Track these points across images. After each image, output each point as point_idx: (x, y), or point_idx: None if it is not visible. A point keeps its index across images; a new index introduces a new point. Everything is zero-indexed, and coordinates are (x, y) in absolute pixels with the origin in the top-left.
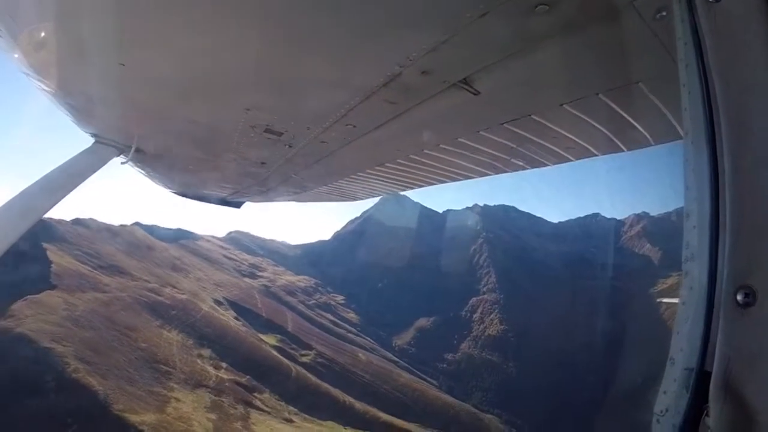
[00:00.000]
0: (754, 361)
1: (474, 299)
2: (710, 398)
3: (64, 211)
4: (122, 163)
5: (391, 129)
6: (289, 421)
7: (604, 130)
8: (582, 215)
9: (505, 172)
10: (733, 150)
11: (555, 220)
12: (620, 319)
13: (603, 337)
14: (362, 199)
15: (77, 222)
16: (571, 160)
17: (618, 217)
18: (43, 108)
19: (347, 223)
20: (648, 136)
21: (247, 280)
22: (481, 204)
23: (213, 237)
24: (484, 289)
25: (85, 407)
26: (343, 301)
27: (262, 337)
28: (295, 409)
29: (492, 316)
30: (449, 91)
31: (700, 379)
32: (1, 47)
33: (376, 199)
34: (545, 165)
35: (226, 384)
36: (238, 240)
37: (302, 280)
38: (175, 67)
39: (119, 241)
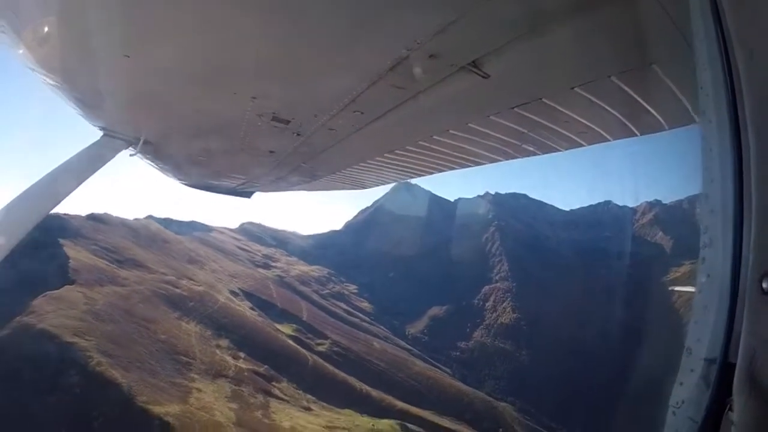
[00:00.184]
0: None
1: (486, 288)
2: (734, 391)
3: (78, 206)
4: (131, 155)
5: (399, 115)
6: (308, 409)
7: (617, 114)
8: (594, 203)
9: (516, 158)
10: (759, 128)
11: (567, 208)
12: (633, 308)
13: (615, 325)
14: (372, 186)
15: (92, 217)
16: (583, 146)
17: (630, 205)
18: (50, 103)
19: (358, 213)
20: (661, 121)
21: (261, 270)
22: (493, 192)
23: (226, 228)
24: (497, 278)
25: (110, 400)
26: (356, 291)
27: (278, 327)
28: (313, 398)
29: (504, 304)
30: (458, 75)
31: (723, 371)
32: (5, 44)
33: (387, 189)
34: (557, 150)
35: (245, 374)
36: (250, 231)
37: (315, 270)
38: (179, 57)
39: (134, 234)
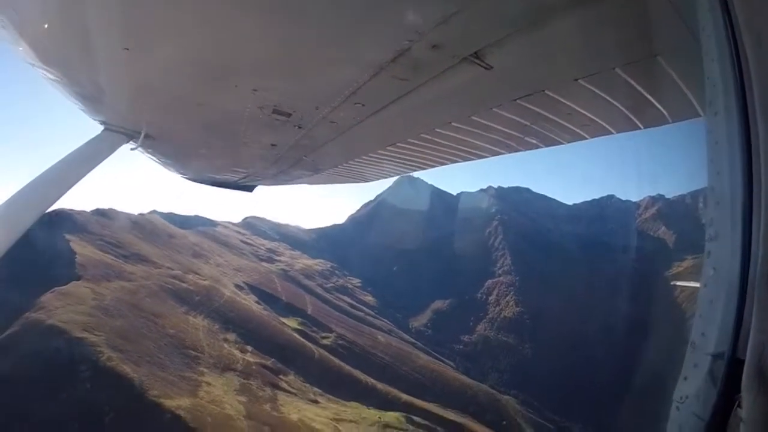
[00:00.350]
0: None
1: (489, 281)
2: (743, 387)
3: (82, 201)
4: (132, 149)
5: (401, 107)
6: (315, 402)
7: (620, 107)
8: (597, 197)
9: (519, 150)
10: None
11: (570, 202)
12: (635, 302)
13: (617, 319)
14: (374, 180)
15: (98, 212)
16: (586, 138)
17: (633, 200)
18: (50, 97)
19: (361, 207)
20: (665, 114)
21: (265, 264)
22: (496, 186)
23: (229, 223)
24: (500, 271)
25: (122, 395)
26: (359, 284)
27: (284, 320)
28: (320, 391)
29: (507, 298)
30: (461, 66)
31: (731, 366)
32: (5, 39)
33: (390, 183)
34: (560, 143)
35: (253, 367)
36: (253, 225)
37: (319, 264)
38: (179, 50)
39: (140, 229)
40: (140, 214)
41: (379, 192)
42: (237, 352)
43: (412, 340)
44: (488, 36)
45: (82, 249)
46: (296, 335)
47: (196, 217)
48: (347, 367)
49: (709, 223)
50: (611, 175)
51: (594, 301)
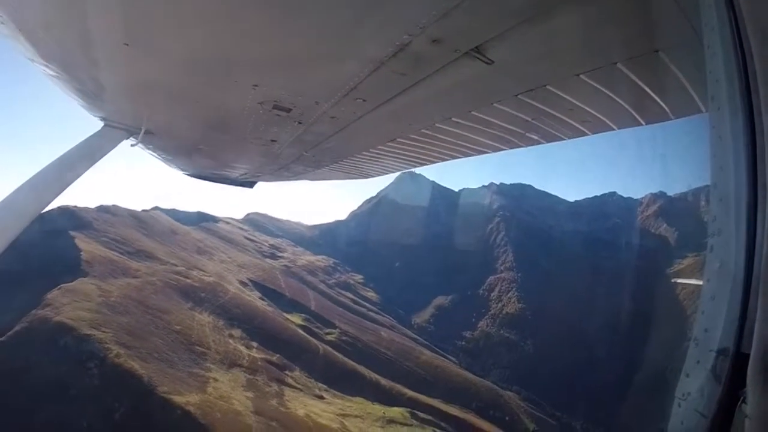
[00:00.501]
0: None
1: (491, 277)
2: (748, 383)
3: (85, 198)
4: (132, 145)
5: (402, 102)
6: (320, 397)
7: (622, 102)
8: (599, 194)
9: (520, 146)
10: None
11: (571, 199)
12: (637, 299)
13: (619, 316)
14: (375, 176)
15: (102, 209)
16: (588, 134)
17: (634, 197)
18: (50, 93)
19: (363, 203)
20: (667, 110)
21: (268, 260)
22: (497, 182)
23: (232, 219)
24: (502, 268)
25: (131, 391)
26: (361, 280)
27: (288, 316)
28: (325, 386)
29: (509, 294)
30: (461, 61)
31: (736, 361)
32: (5, 35)
33: (392, 179)
34: (561, 139)
35: (259, 363)
36: (256, 221)
37: (321, 260)
38: (179, 45)
39: (143, 226)
40: (144, 211)
41: (381, 188)
42: (243, 348)
43: (415, 336)
44: (489, 30)
45: (87, 246)
46: (300, 331)
47: (199, 213)
48: (351, 363)
49: (712, 218)
50: (613, 172)
51: (595, 298)
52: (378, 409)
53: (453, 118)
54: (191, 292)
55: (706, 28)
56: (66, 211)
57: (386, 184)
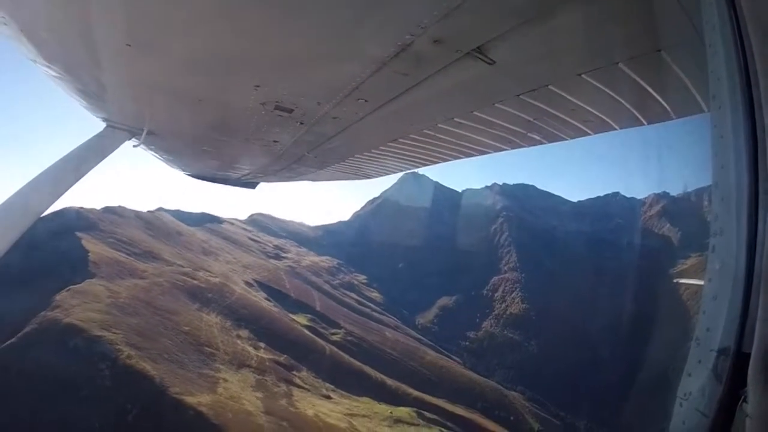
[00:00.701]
0: None
1: (495, 278)
2: (749, 382)
3: (88, 199)
4: (134, 146)
5: (404, 103)
6: (328, 397)
7: (624, 102)
8: (602, 194)
9: (522, 146)
10: None
11: (575, 199)
12: (640, 299)
13: (622, 316)
14: (377, 176)
15: (108, 210)
16: (590, 134)
17: (638, 197)
18: (52, 95)
19: (366, 204)
20: (669, 109)
21: (273, 261)
22: (501, 183)
23: (235, 220)
24: (505, 268)
25: (143, 392)
26: (365, 281)
27: (293, 317)
28: (332, 386)
29: (513, 294)
30: (463, 61)
31: (737, 361)
32: (6, 35)
33: (395, 180)
34: (563, 139)
35: (267, 363)
36: (260, 222)
37: (325, 261)
38: (181, 46)
39: (149, 227)
40: (149, 212)
41: (384, 189)
42: (251, 349)
43: (419, 337)
44: (491, 30)
45: (94, 247)
46: (306, 332)
47: (203, 214)
48: (357, 363)
49: (714, 218)
50: (616, 172)
51: (598, 298)
52: (385, 408)
53: (455, 119)
54: (198, 293)
55: (707, 27)
56: (72, 212)
57: (389, 185)
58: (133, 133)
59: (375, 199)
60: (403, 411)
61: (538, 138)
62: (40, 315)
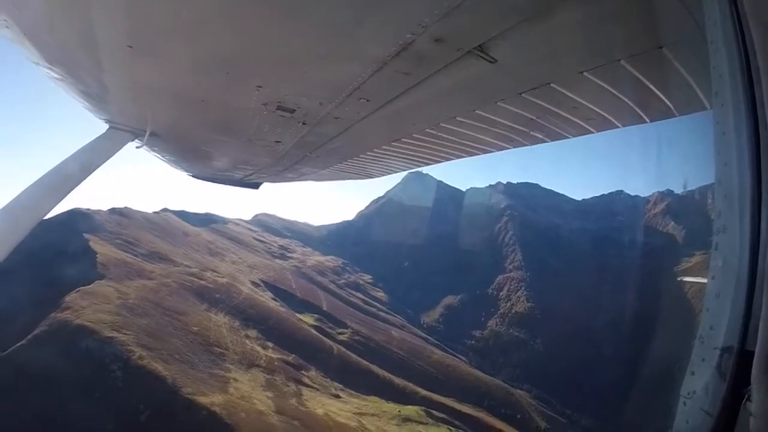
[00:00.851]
0: None
1: (500, 277)
2: (753, 380)
3: (95, 202)
4: (137, 147)
5: (405, 102)
6: (337, 396)
7: (626, 100)
8: (606, 192)
9: (525, 145)
10: None
11: (579, 198)
12: (644, 297)
13: (627, 314)
14: (380, 176)
15: (114, 211)
16: (592, 132)
17: (641, 195)
18: (55, 96)
19: (370, 203)
20: (671, 107)
21: (278, 261)
22: (504, 182)
23: (241, 220)
24: (510, 267)
25: (156, 393)
26: (370, 280)
27: (300, 316)
28: (341, 386)
29: (518, 293)
30: (465, 60)
31: (740, 359)
32: (9, 38)
33: (399, 179)
34: (565, 137)
35: (276, 363)
36: (264, 222)
37: (330, 261)
38: (183, 47)
39: (155, 228)
40: (155, 213)
41: (388, 188)
42: (259, 349)
43: (425, 336)
44: (492, 28)
45: (101, 248)
46: (313, 331)
47: (208, 214)
48: (365, 363)
49: (717, 215)
50: (619, 170)
51: (603, 297)
52: (393, 407)
53: (457, 117)
54: (206, 293)
55: (708, 24)
56: (79, 214)
57: (393, 184)
58: (135, 135)
59: (379, 198)
60: (411, 410)
61: (540, 136)
62: (50, 316)
